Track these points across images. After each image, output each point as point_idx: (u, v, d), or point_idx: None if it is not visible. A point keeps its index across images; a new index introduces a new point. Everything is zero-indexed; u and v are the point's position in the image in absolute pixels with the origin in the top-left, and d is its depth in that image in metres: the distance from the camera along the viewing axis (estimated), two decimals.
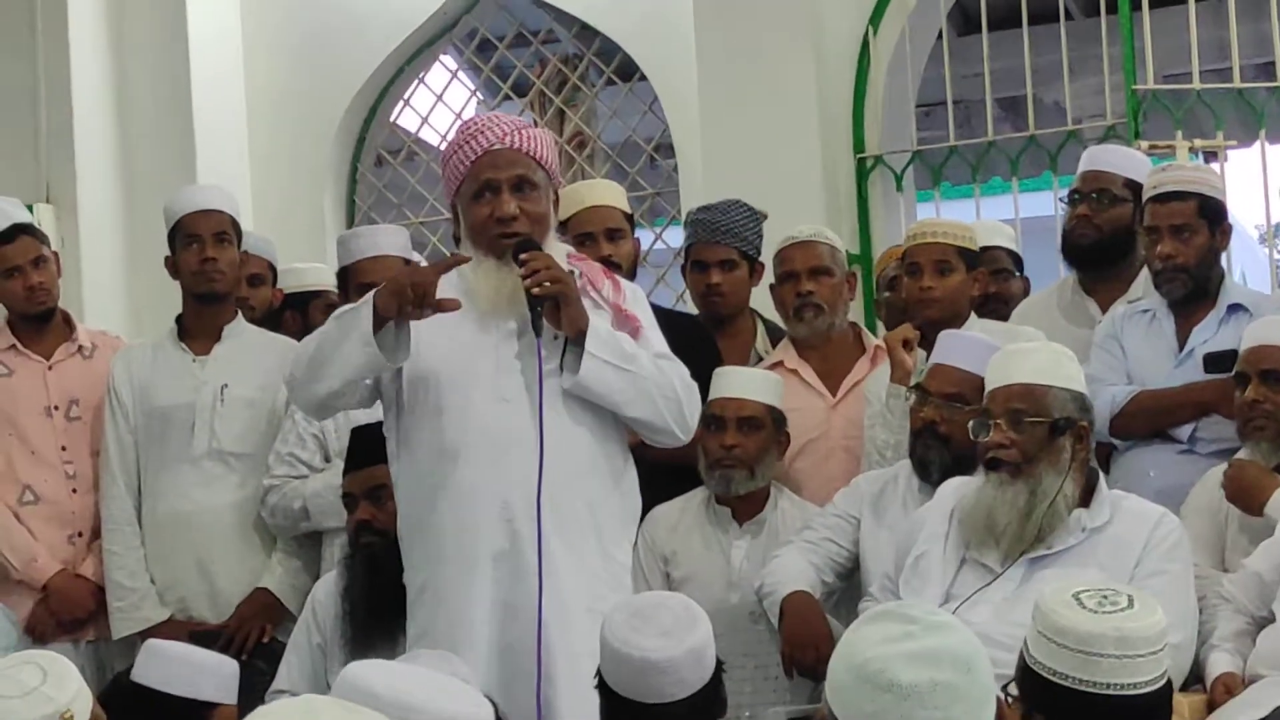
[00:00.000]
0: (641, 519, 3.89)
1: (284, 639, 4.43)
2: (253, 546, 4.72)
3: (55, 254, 4.86)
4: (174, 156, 6.95)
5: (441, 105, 7.60)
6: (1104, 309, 4.72)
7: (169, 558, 4.71)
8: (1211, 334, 4.41)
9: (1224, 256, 4.59)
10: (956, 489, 3.86)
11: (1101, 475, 3.83)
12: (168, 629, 4.55)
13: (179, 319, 4.85)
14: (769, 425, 4.50)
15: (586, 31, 7.33)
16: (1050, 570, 3.62)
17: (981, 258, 4.70)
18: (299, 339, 4.34)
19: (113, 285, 6.88)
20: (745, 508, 4.52)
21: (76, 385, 4.83)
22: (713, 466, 4.48)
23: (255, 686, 4.03)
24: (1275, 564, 3.77)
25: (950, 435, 4.11)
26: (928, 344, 4.41)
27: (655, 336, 3.72)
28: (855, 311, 5.27)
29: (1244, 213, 11.74)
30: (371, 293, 3.54)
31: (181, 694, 3.43)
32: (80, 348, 4.88)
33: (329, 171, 7.48)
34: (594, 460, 3.63)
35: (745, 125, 6.44)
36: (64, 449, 4.79)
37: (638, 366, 3.60)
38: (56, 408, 4.80)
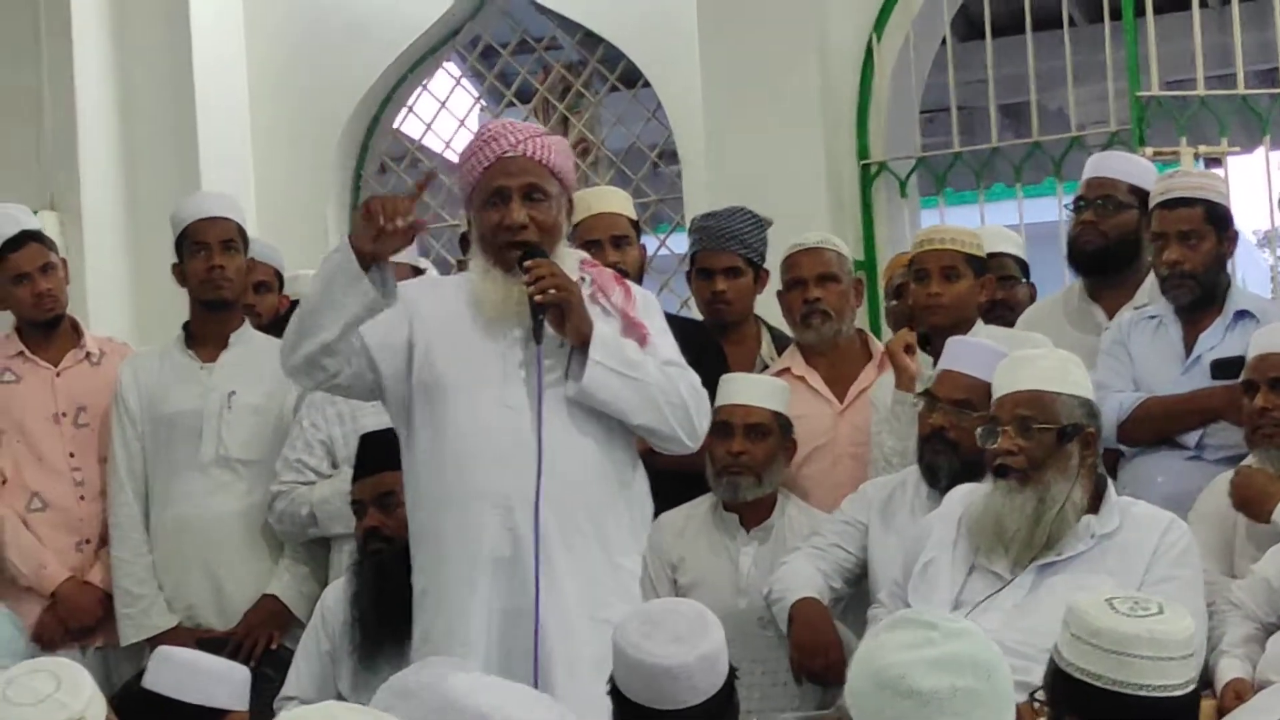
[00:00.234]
0: None
1: (292, 646, 4.42)
2: (260, 553, 4.72)
3: (63, 260, 4.86)
4: (178, 164, 6.97)
5: (445, 112, 7.61)
6: (1110, 315, 4.72)
7: (176, 565, 4.71)
8: (1218, 340, 4.41)
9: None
10: (964, 495, 3.86)
11: (1110, 481, 3.84)
12: (175, 636, 4.55)
13: (186, 326, 4.85)
14: (776, 432, 4.50)
15: (590, 38, 7.34)
16: (1059, 577, 3.63)
17: (989, 264, 4.70)
18: None
19: (116, 292, 6.89)
20: (752, 514, 4.52)
21: (84, 392, 4.82)
22: (720, 473, 4.49)
23: (263, 694, 4.02)
24: None
25: (959, 441, 4.10)
26: (935, 350, 4.41)
27: (665, 343, 3.71)
28: (860, 318, 5.28)
29: (1244, 219, 11.74)
30: (344, 236, 3.52)
31: (194, 701, 3.43)
32: (88, 354, 4.88)
33: (332, 179, 7.49)
34: (599, 468, 3.63)
35: (749, 132, 6.44)
36: (72, 456, 4.79)
37: (643, 374, 3.60)
38: (64, 415, 4.80)
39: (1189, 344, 4.44)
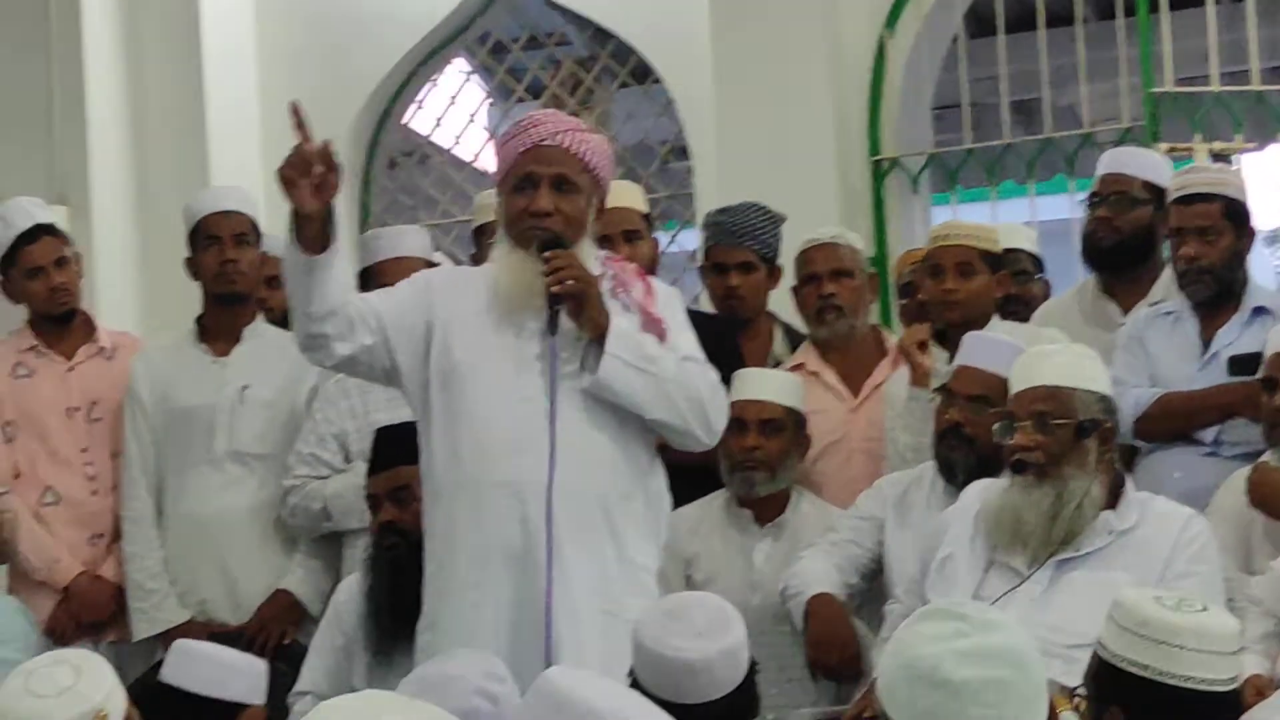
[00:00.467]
0: None
1: (305, 641, 4.42)
2: (273, 548, 4.71)
3: (77, 254, 4.85)
4: (188, 158, 6.97)
5: (454, 108, 7.59)
6: (1125, 312, 4.71)
7: (189, 559, 4.71)
8: (1235, 336, 4.40)
9: None
10: (981, 491, 3.85)
11: (1128, 477, 3.83)
12: (187, 631, 4.52)
13: (199, 320, 4.85)
14: (790, 427, 4.49)
15: (600, 34, 7.34)
16: (1078, 573, 3.62)
17: (1004, 259, 4.69)
18: None
19: (126, 286, 6.89)
20: (766, 509, 4.51)
21: (97, 386, 4.81)
22: (734, 468, 4.47)
23: (276, 689, 4.00)
24: None
25: (975, 437, 4.09)
26: (951, 346, 4.40)
27: (685, 339, 3.70)
28: (872, 314, 5.27)
29: (1255, 215, 11.75)
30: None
31: (211, 694, 3.41)
32: (101, 349, 4.87)
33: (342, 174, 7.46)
34: (614, 462, 3.62)
35: (760, 127, 6.43)
36: (85, 450, 4.78)
37: (659, 368, 3.59)
38: (77, 409, 4.79)
39: (1206, 340, 4.43)
